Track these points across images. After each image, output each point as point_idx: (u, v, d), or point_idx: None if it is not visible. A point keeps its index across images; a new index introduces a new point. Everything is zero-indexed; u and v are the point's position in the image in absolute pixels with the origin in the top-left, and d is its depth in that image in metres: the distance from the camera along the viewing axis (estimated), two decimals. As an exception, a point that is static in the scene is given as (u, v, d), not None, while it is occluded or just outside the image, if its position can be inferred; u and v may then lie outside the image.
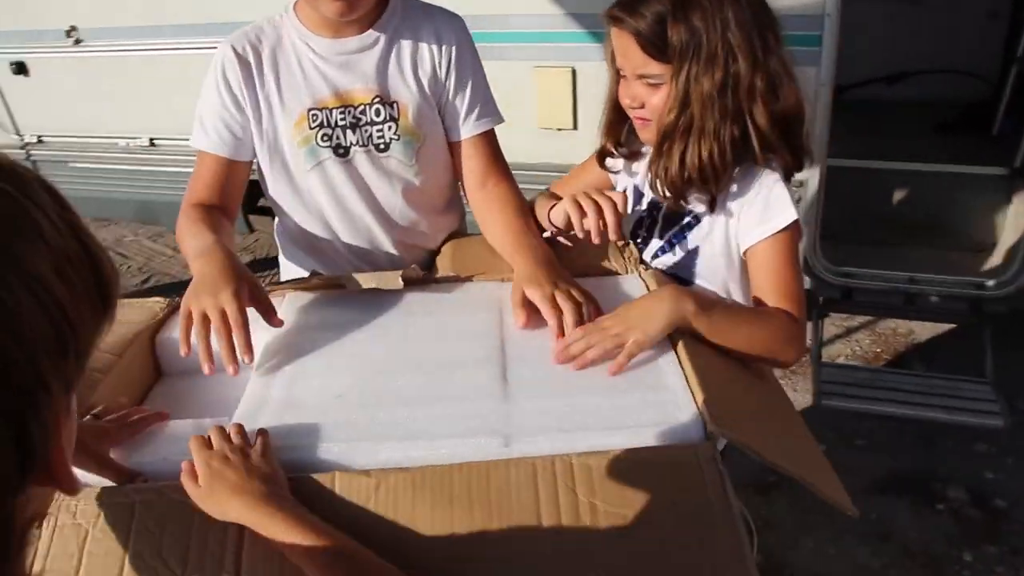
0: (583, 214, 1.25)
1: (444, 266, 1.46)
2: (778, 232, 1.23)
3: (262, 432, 0.96)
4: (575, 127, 2.79)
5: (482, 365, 1.10)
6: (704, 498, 0.85)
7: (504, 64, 2.76)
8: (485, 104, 1.48)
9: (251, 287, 1.17)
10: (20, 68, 3.61)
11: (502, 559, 0.82)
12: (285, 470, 0.92)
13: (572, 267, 1.33)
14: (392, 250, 1.57)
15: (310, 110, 1.41)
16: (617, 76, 1.32)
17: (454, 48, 1.44)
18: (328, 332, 1.22)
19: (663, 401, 0.99)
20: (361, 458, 0.94)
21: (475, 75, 1.47)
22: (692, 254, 1.34)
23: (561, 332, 1.14)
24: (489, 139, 1.51)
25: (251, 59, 1.40)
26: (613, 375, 1.06)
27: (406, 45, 1.43)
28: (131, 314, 1.28)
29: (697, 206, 1.31)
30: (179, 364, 1.23)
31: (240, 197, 1.44)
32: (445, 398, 1.03)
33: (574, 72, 2.70)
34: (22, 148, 3.77)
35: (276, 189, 1.50)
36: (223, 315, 1.11)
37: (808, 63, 2.39)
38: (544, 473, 0.88)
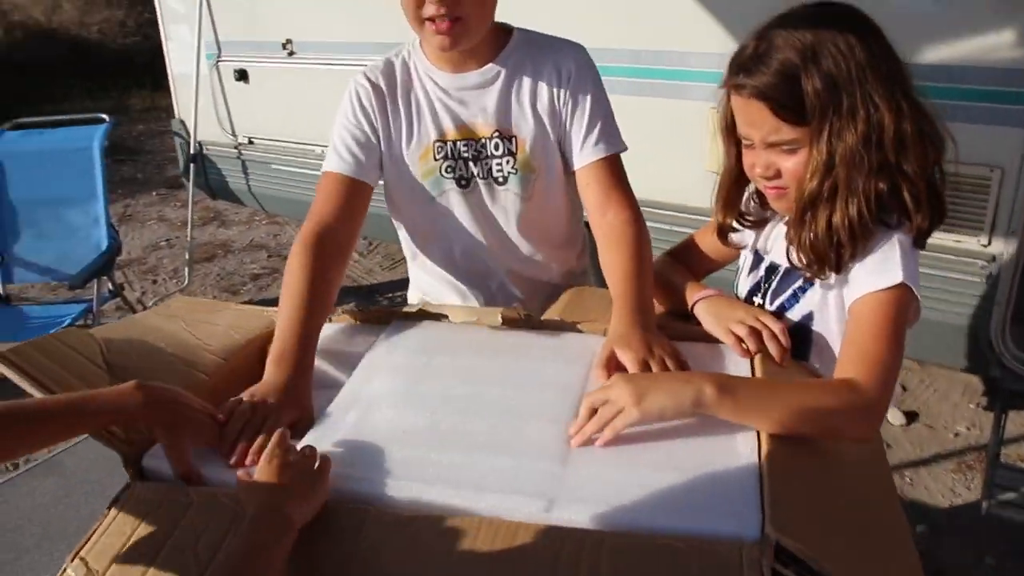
0: (739, 340, 1.21)
1: (555, 311, 1.43)
2: (881, 291, 1.10)
3: (324, 459, 0.98)
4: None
5: (554, 421, 1.06)
6: None
7: (679, 103, 2.71)
8: (603, 130, 1.45)
9: (295, 421, 1.13)
10: (242, 75, 3.96)
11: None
12: (334, 495, 0.93)
13: (674, 329, 1.27)
14: (507, 281, 1.57)
15: (435, 142, 1.45)
16: (737, 146, 1.24)
17: (572, 77, 1.43)
18: (416, 363, 1.23)
19: (727, 488, 0.92)
20: (405, 497, 0.94)
21: (594, 102, 1.44)
22: (807, 319, 1.24)
23: None
24: (609, 166, 1.46)
25: (384, 89, 1.46)
26: (603, 446, 1.00)
27: (525, 79, 1.44)
28: (247, 321, 1.35)
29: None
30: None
31: (361, 221, 1.47)
32: (507, 450, 1.01)
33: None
34: (235, 148, 4.12)
35: (402, 214, 1.56)
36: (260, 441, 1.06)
37: (1009, 123, 2.16)
38: (570, 545, 0.83)
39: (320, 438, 1.06)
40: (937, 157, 1.12)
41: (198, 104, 4.11)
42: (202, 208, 5.99)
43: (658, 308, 1.37)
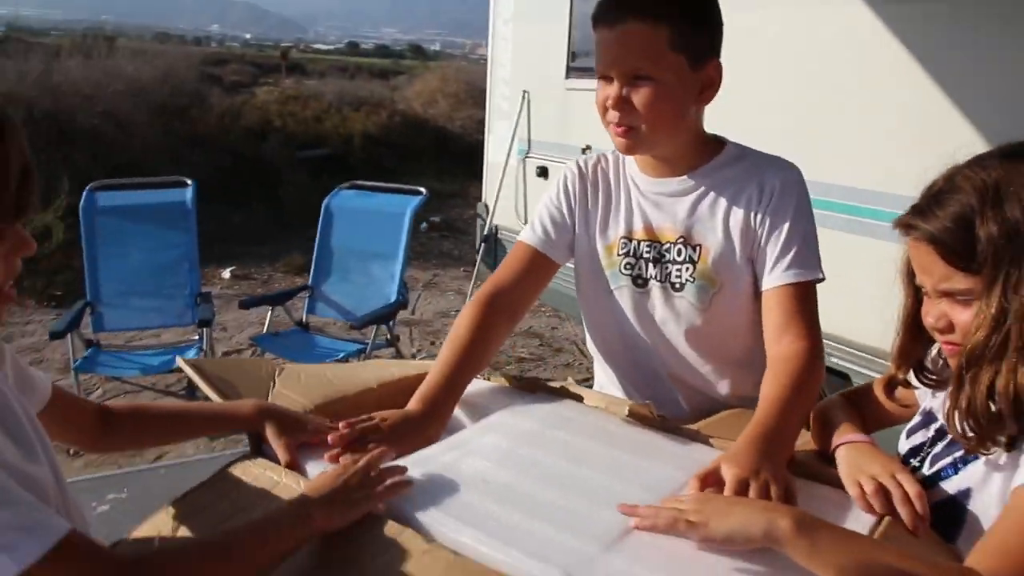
0: (863, 495, 1.09)
1: (700, 423, 1.37)
2: None
3: (399, 482, 1.05)
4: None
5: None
6: None
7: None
8: (798, 255, 1.38)
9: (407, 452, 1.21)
10: (543, 172, 4.28)
11: None
12: (388, 510, 1.00)
13: (808, 467, 1.17)
14: (673, 388, 1.53)
15: (622, 238, 1.49)
16: (916, 293, 1.13)
17: (774, 197, 1.40)
18: (532, 429, 1.26)
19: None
20: (440, 531, 0.97)
21: (793, 224, 1.39)
22: (963, 495, 1.07)
23: None
24: (796, 292, 1.39)
25: (589, 179, 1.53)
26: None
27: (724, 193, 1.43)
28: (415, 368, 1.47)
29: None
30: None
31: (538, 293, 1.55)
32: (561, 523, 1.00)
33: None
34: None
35: (584, 298, 1.60)
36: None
37: None
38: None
39: (411, 463, 1.13)
40: None
41: (500, 191, 4.49)
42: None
43: (809, 445, 1.27)
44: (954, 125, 2.45)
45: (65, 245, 5.99)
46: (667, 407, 1.53)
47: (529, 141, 4.38)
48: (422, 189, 4.59)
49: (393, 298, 4.27)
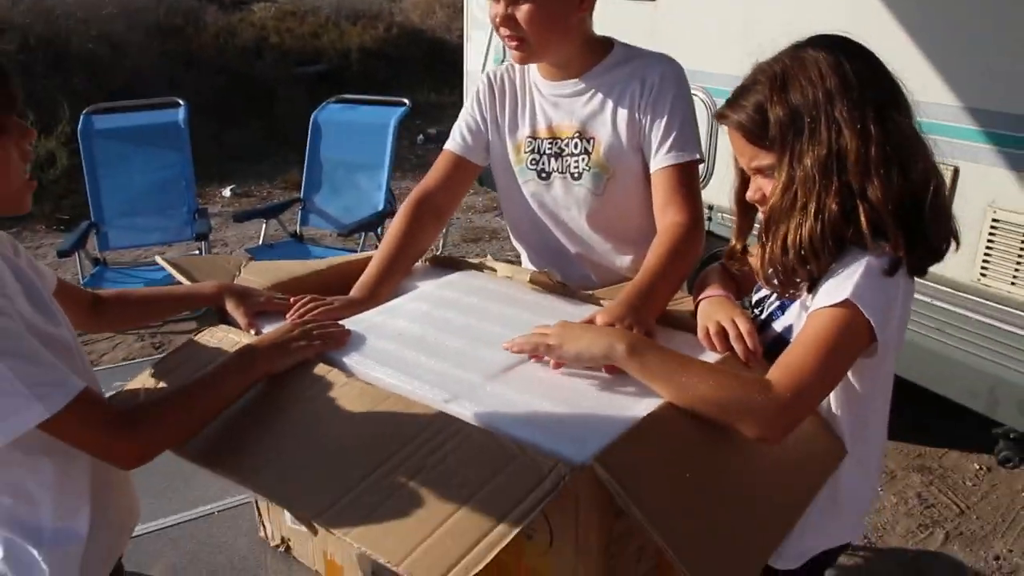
0: (708, 337, 1.33)
1: (601, 291, 1.59)
2: (827, 307, 1.13)
3: (335, 333, 1.31)
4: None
5: (512, 355, 1.26)
6: (499, 491, 0.94)
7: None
8: (677, 139, 1.58)
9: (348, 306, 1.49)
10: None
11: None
12: (325, 359, 1.26)
13: (672, 318, 1.40)
14: (582, 267, 1.76)
15: (527, 137, 1.69)
16: (742, 174, 1.31)
17: (655, 89, 1.59)
18: (448, 296, 1.50)
19: (595, 427, 1.06)
20: (362, 371, 1.22)
21: (672, 113, 1.57)
22: (787, 331, 1.30)
23: None
24: (678, 173, 1.59)
25: (497, 88, 1.73)
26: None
27: (613, 90, 1.62)
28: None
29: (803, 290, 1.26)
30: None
31: (462, 194, 1.79)
32: (455, 361, 1.24)
33: (956, 171, 2.48)
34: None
35: (500, 192, 1.82)
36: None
37: None
38: (440, 425, 1.05)
39: (347, 323, 1.38)
40: (918, 186, 1.13)
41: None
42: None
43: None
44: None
45: (69, 169, 6.19)
46: (579, 282, 1.75)
47: (504, 50, 4.49)
48: (405, 100, 4.75)
49: (381, 206, 4.47)
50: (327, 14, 14.66)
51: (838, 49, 1.18)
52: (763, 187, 1.24)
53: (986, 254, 2.43)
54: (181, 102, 4.70)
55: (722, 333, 1.31)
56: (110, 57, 8.88)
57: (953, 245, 1.21)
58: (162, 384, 1.30)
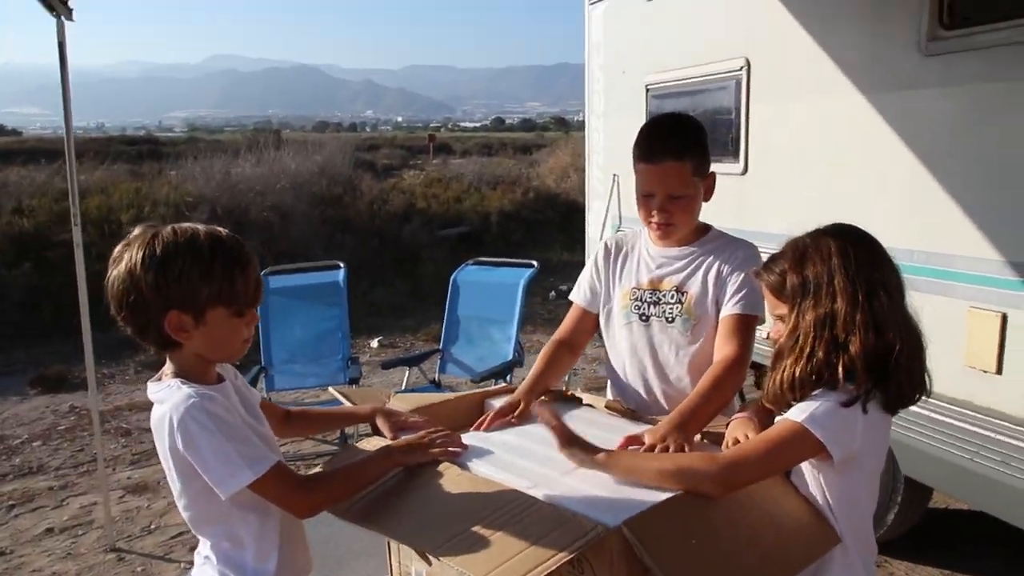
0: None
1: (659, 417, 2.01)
2: (786, 420, 1.54)
3: (457, 444, 1.78)
4: (999, 371, 2.81)
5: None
6: (556, 539, 1.35)
7: (944, 300, 2.97)
8: (745, 298, 2.04)
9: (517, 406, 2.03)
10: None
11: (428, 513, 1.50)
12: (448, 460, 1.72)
13: (710, 434, 1.81)
14: (660, 398, 2.18)
15: (633, 287, 2.20)
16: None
17: (739, 262, 2.09)
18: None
19: (632, 503, 1.47)
20: (473, 467, 1.69)
21: (746, 280, 2.04)
22: None
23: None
24: (738, 322, 2.04)
25: (613, 251, 2.28)
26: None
27: (706, 258, 2.13)
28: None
29: None
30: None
31: (587, 339, 2.33)
32: (541, 462, 1.69)
33: (1004, 317, 2.77)
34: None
35: (605, 336, 2.31)
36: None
37: None
38: (517, 498, 1.50)
39: (468, 435, 1.86)
40: (887, 346, 1.52)
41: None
42: (598, 345, 7.08)
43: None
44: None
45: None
46: (655, 409, 2.18)
47: (620, 217, 5.08)
48: (534, 263, 5.36)
49: (510, 356, 5.00)
50: (470, 180, 16.02)
51: (847, 236, 1.62)
52: (779, 330, 1.67)
53: (1039, 395, 2.68)
54: (341, 264, 5.50)
55: (736, 443, 1.70)
56: (280, 224, 10.13)
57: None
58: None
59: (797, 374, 1.57)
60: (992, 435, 2.82)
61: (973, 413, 2.90)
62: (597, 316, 2.30)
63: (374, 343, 8.10)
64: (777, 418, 1.67)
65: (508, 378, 4.98)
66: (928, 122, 3.09)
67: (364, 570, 2.16)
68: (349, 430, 5.32)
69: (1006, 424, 2.78)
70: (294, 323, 5.31)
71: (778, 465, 1.59)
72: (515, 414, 2.01)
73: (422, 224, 12.64)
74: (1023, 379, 2.73)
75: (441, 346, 5.35)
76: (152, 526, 4.27)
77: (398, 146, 30.01)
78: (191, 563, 3.80)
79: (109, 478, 4.34)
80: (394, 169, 20.44)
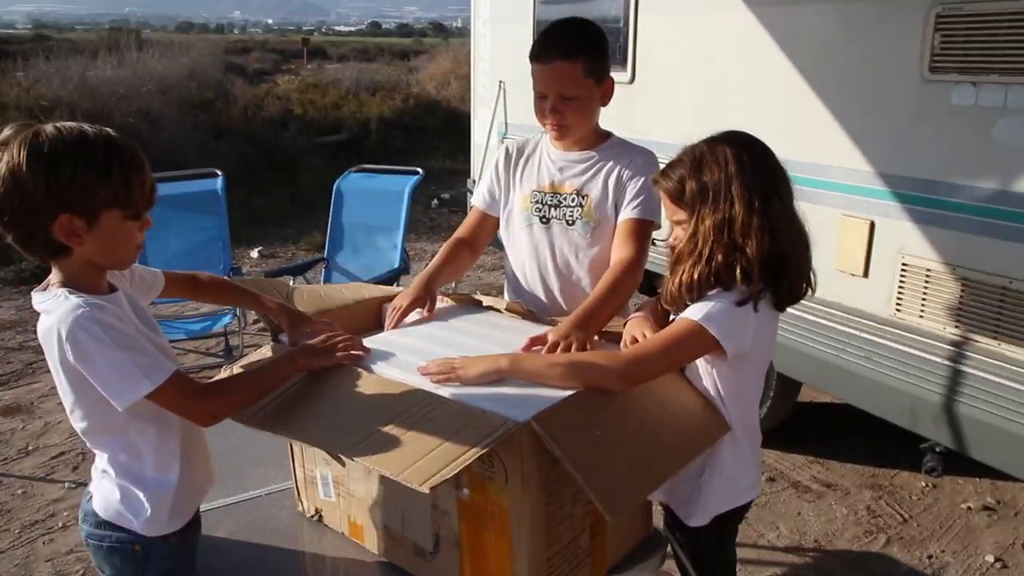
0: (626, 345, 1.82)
1: (559, 318, 2.07)
2: (683, 318, 1.62)
3: (359, 348, 1.77)
4: (865, 275, 3.01)
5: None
6: (467, 435, 1.39)
7: (817, 208, 3.14)
8: (643, 204, 2.10)
9: (423, 300, 2.05)
10: (519, 148, 4.95)
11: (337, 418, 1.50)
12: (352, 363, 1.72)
13: (608, 334, 1.88)
14: (558, 296, 2.24)
15: (534, 190, 2.22)
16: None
17: (637, 168, 2.13)
18: (447, 321, 1.99)
19: (540, 400, 1.51)
20: (379, 369, 1.69)
21: (643, 187, 2.09)
22: None
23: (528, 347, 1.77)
24: (635, 226, 2.10)
25: (515, 155, 2.29)
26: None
27: (607, 163, 2.16)
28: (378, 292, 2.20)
29: None
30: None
31: (486, 240, 2.36)
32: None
33: (872, 224, 2.96)
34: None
35: (505, 239, 2.34)
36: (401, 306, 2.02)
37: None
38: (421, 397, 1.52)
39: (371, 339, 1.86)
40: (785, 250, 1.61)
41: (483, 168, 5.17)
42: (496, 256, 7.16)
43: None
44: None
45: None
46: (553, 309, 2.23)
47: (506, 124, 5.06)
48: (419, 170, 5.29)
49: (396, 264, 4.98)
50: (348, 86, 15.51)
51: (741, 144, 1.67)
52: (678, 236, 1.73)
53: (899, 293, 2.90)
54: (219, 172, 5.28)
55: (634, 342, 1.78)
56: (148, 130, 9.58)
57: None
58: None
59: (696, 276, 1.64)
60: (857, 333, 3.05)
61: (840, 313, 3.11)
62: (497, 219, 2.33)
63: (254, 253, 7.88)
64: (673, 317, 1.74)
65: (395, 285, 4.99)
66: (805, 38, 3.19)
67: (267, 477, 2.16)
68: (234, 341, 5.25)
69: (869, 323, 3.01)
70: (170, 234, 5.08)
71: (676, 361, 1.67)
72: (425, 310, 2.05)
73: (299, 130, 12.21)
74: (886, 282, 2.94)
75: (326, 254, 5.27)
76: (29, 448, 4.10)
77: (270, 50, 28.66)
78: (75, 482, 3.71)
79: (-24, 399, 4.11)
80: (266, 74, 19.53)
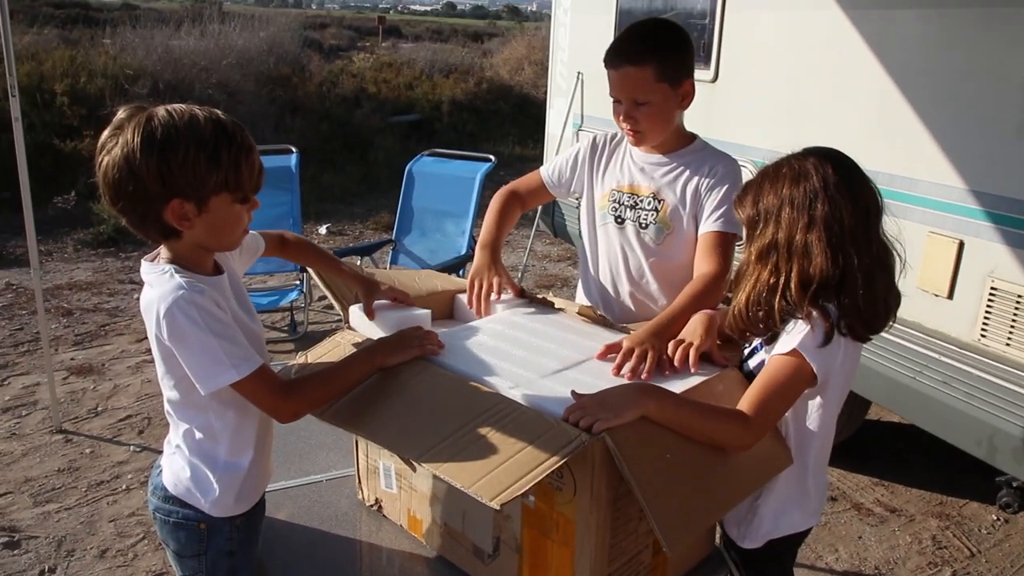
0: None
1: (632, 324, 2.02)
2: (780, 355, 1.55)
3: (437, 343, 1.75)
4: (950, 296, 2.89)
5: (562, 361, 1.71)
6: (539, 448, 1.36)
7: (902, 223, 3.02)
8: (725, 215, 2.05)
9: (499, 277, 2.06)
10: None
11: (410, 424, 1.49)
12: (427, 358, 1.70)
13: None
14: (627, 299, 2.21)
15: (613, 189, 2.19)
16: None
17: (718, 176, 2.08)
18: (518, 320, 1.96)
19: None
20: (454, 367, 1.67)
21: (726, 197, 2.04)
22: (757, 369, 1.69)
23: (617, 370, 1.69)
24: (718, 239, 2.06)
25: (600, 147, 2.26)
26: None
27: (689, 169, 2.12)
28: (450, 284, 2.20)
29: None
30: (465, 314, 2.12)
31: (537, 203, 2.45)
32: (520, 364, 1.69)
33: (961, 244, 2.83)
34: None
35: (584, 233, 2.31)
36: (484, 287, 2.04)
37: None
38: (497, 402, 1.50)
39: (443, 334, 1.82)
40: (819, 273, 1.52)
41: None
42: (549, 243, 7.12)
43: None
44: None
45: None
46: (620, 315, 2.19)
47: (582, 116, 5.00)
48: (491, 157, 5.28)
49: (463, 251, 4.98)
50: (422, 67, 15.56)
51: (803, 174, 1.58)
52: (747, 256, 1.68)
53: (985, 318, 2.78)
54: (294, 149, 5.34)
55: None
56: (227, 103, 9.74)
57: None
58: (312, 368, 1.77)
59: (753, 298, 1.60)
60: (936, 356, 2.93)
61: (920, 334, 3.00)
62: (551, 197, 2.40)
63: (322, 230, 7.97)
64: (758, 356, 1.70)
65: (461, 272, 4.99)
66: (902, 42, 3.07)
67: (329, 462, 2.17)
68: (299, 317, 5.32)
69: (951, 347, 2.89)
70: (244, 207, 5.17)
71: (790, 401, 1.59)
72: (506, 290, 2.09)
73: (373, 109, 12.29)
74: (972, 305, 2.82)
75: (394, 236, 5.29)
76: (99, 408, 4.22)
77: (346, 26, 28.91)
78: (140, 446, 3.80)
79: (52, 359, 4.24)
80: (342, 50, 19.71)
